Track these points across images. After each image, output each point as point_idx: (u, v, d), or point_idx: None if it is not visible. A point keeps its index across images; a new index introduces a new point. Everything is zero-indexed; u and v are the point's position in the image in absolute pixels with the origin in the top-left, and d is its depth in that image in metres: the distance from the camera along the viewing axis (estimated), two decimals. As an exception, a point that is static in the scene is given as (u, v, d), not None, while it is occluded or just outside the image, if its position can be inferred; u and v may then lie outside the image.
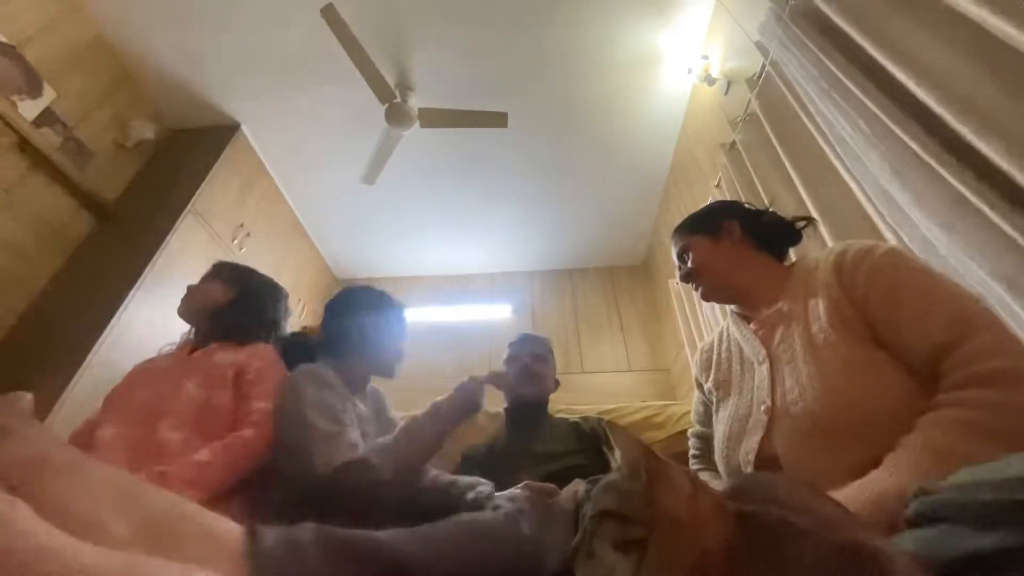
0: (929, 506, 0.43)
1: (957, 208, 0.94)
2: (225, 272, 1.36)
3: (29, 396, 0.56)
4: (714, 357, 1.03)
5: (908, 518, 0.45)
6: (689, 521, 0.39)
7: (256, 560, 0.46)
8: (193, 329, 1.31)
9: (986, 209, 0.88)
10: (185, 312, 1.30)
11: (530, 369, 1.46)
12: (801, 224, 1.02)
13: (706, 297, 1.03)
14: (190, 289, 1.32)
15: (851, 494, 0.59)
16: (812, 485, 0.63)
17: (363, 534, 0.55)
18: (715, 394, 0.99)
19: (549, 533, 0.66)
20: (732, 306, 1.02)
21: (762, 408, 0.81)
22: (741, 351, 0.94)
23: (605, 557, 0.40)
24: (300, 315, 3.36)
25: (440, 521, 0.64)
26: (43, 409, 1.64)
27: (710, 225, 1.03)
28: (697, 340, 2.54)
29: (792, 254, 1.10)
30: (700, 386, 1.09)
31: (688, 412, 1.52)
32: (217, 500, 0.96)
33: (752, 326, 0.93)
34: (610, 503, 0.42)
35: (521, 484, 0.98)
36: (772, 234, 1.00)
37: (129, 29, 2.34)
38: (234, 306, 1.29)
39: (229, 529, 0.48)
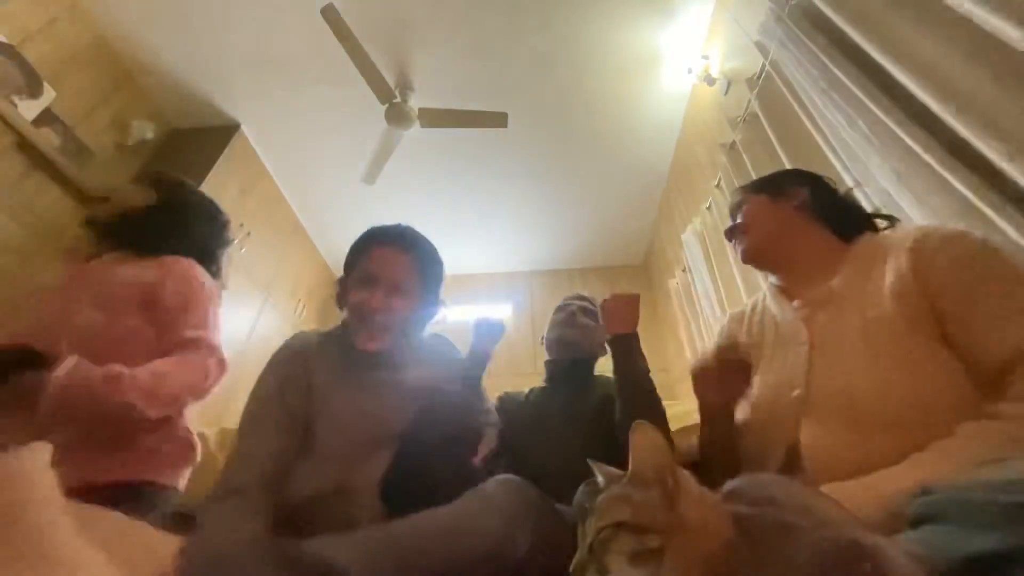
0: (931, 506, 0.43)
1: (957, 208, 0.94)
2: (151, 177, 1.19)
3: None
4: (743, 329, 0.96)
5: (910, 518, 0.44)
6: (700, 526, 0.39)
7: None
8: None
9: (987, 209, 0.88)
10: (94, 217, 1.12)
11: (576, 318, 1.36)
12: (881, 223, 0.93)
13: (745, 257, 0.95)
14: (109, 194, 1.15)
15: (865, 487, 0.57)
16: (820, 479, 0.63)
17: (301, 546, 0.52)
18: None
19: (514, 524, 0.63)
20: (773, 278, 0.95)
21: (794, 394, 0.75)
22: (776, 327, 0.87)
23: (620, 572, 0.39)
24: (300, 315, 3.36)
25: (393, 523, 0.60)
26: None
27: (775, 186, 0.97)
28: (697, 340, 2.55)
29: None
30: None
31: (690, 411, 1.51)
32: None
33: (795, 303, 0.85)
34: (624, 515, 0.41)
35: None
36: (843, 213, 0.92)
37: (129, 29, 2.34)
38: (151, 212, 1.11)
39: (173, 549, 0.46)
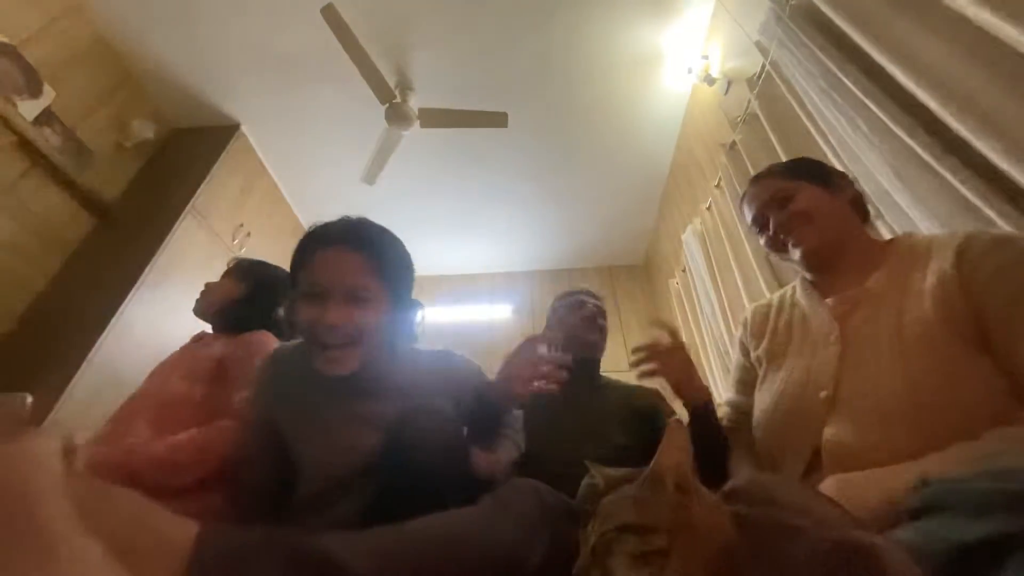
0: (930, 497, 0.43)
1: (957, 208, 0.94)
2: (239, 268, 1.36)
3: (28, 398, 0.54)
4: (770, 323, 0.93)
5: (910, 509, 0.44)
6: (705, 526, 0.39)
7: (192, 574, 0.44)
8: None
9: (986, 209, 0.88)
10: (199, 310, 1.29)
11: (595, 320, 1.33)
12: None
13: (808, 253, 0.86)
14: (206, 286, 1.32)
15: (874, 478, 0.57)
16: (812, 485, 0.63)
17: (313, 543, 0.52)
18: (764, 364, 0.90)
19: (532, 532, 0.62)
20: (807, 274, 0.91)
21: (821, 395, 0.73)
22: (805, 323, 0.84)
23: (623, 575, 0.39)
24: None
25: (407, 524, 0.59)
26: (43, 409, 1.64)
27: (823, 175, 0.90)
28: (697, 340, 2.54)
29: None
30: (746, 351, 0.98)
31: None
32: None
33: (829, 301, 0.82)
34: (630, 516, 0.40)
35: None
36: (866, 209, 0.91)
37: (129, 29, 2.34)
38: (245, 301, 1.28)
39: (186, 538, 0.47)
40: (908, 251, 0.78)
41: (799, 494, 0.45)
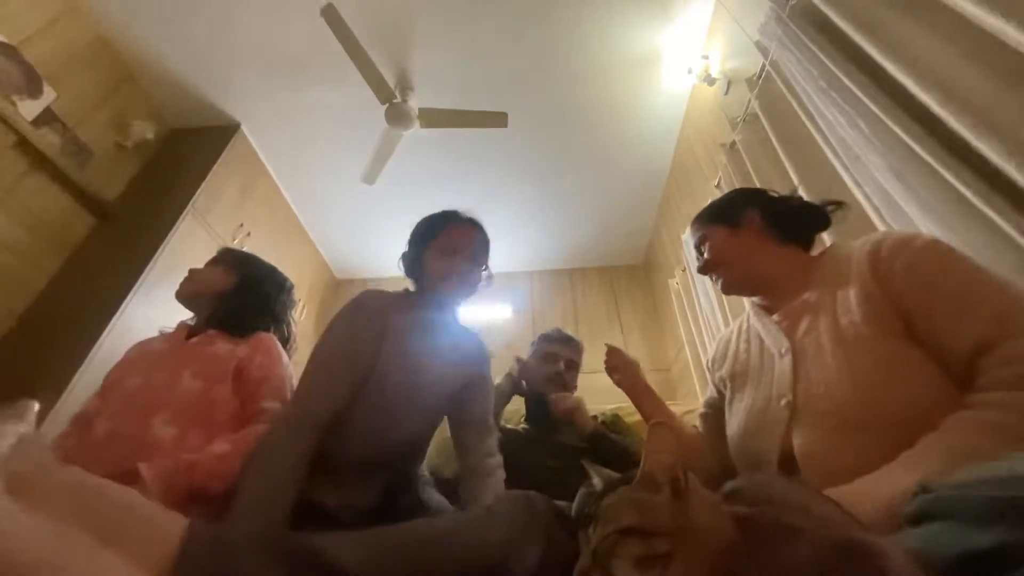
0: (929, 503, 0.43)
1: (957, 208, 0.94)
2: (229, 258, 1.33)
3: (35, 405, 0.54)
4: (731, 349, 1.00)
5: (908, 516, 0.44)
6: (707, 528, 0.39)
7: (180, 567, 0.45)
8: (193, 315, 1.28)
9: (986, 209, 0.88)
10: (184, 295, 1.26)
11: (563, 378, 1.43)
12: (831, 208, 0.96)
13: (726, 290, 0.99)
14: (191, 272, 1.29)
15: (862, 489, 0.57)
16: (815, 484, 0.63)
17: (302, 539, 0.53)
18: (729, 385, 0.96)
19: (521, 536, 0.62)
20: (754, 297, 0.99)
21: (782, 403, 0.78)
22: (761, 343, 0.90)
23: None
24: (300, 315, 3.36)
25: (394, 526, 0.60)
26: (43, 409, 1.64)
27: (729, 214, 0.99)
28: (697, 340, 2.54)
29: (826, 238, 1.08)
30: (713, 383, 1.06)
31: (689, 412, 1.52)
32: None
33: (775, 317, 0.89)
34: (632, 519, 0.39)
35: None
36: (797, 222, 0.96)
37: (129, 29, 2.34)
38: (235, 294, 1.25)
39: (176, 530, 0.47)
40: (834, 261, 0.85)
41: (799, 494, 0.45)
